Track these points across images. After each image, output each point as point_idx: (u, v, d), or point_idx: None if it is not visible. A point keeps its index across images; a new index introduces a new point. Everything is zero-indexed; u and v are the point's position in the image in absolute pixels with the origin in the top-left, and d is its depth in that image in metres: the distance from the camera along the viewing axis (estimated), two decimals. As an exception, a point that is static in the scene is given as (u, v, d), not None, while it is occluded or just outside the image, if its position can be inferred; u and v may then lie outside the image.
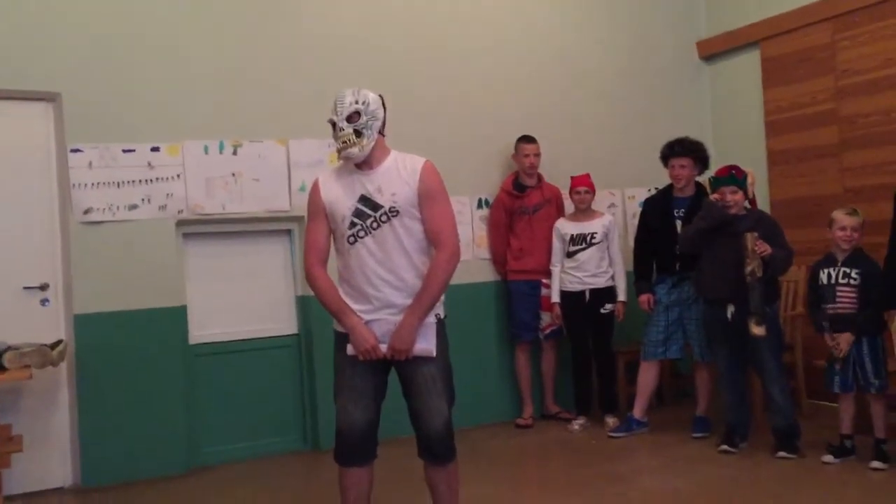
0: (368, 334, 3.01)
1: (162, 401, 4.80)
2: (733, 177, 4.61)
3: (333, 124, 3.08)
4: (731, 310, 4.56)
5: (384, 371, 3.13)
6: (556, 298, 5.53)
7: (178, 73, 4.96)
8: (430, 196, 3.08)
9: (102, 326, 4.70)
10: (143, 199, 4.85)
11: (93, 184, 4.73)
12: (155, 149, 4.88)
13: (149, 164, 4.87)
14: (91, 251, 4.71)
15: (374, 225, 3.04)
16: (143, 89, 4.87)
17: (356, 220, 3.04)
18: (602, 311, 5.45)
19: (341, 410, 3.09)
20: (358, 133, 3.02)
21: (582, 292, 5.44)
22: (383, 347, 3.02)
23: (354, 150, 3.03)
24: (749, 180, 4.68)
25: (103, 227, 4.76)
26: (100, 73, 4.78)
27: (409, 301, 3.05)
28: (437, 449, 3.09)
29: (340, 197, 3.07)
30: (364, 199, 3.05)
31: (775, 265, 4.50)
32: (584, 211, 5.52)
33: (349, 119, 3.04)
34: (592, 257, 5.44)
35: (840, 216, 4.45)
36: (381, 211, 3.04)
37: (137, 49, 4.88)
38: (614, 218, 5.74)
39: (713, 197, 4.66)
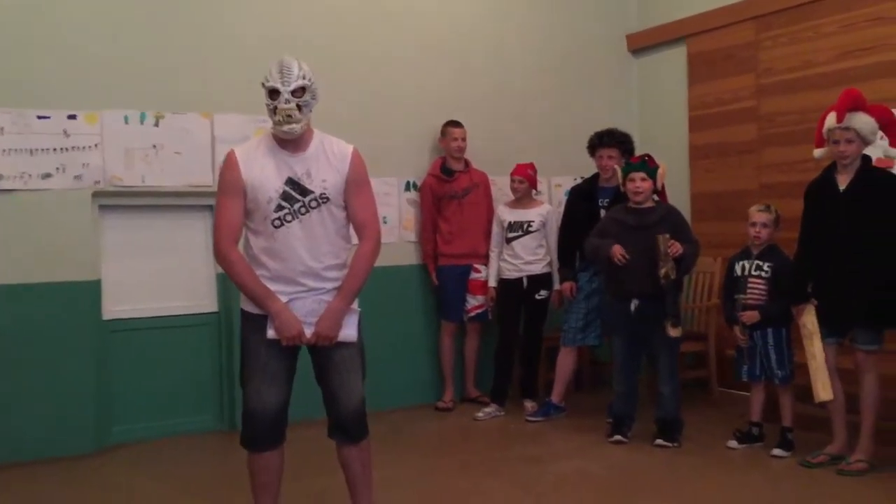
0: (295, 320, 2.93)
1: (72, 377, 4.66)
2: (645, 163, 4.67)
3: (274, 91, 2.91)
4: (634, 303, 4.62)
5: (297, 353, 3.08)
6: (492, 283, 5.60)
7: (99, 39, 4.79)
8: (358, 184, 3.05)
9: (10, 299, 4.54)
10: (57, 168, 4.68)
11: (4, 150, 4.54)
12: (72, 116, 4.72)
13: (64, 131, 4.70)
14: (1, 220, 4.53)
15: (303, 210, 2.96)
16: (62, 54, 4.69)
17: (284, 203, 2.94)
18: (537, 296, 5.50)
19: (254, 394, 3.00)
20: (300, 109, 2.91)
21: (519, 279, 5.49)
22: (307, 331, 2.96)
23: (297, 128, 2.91)
24: (659, 171, 4.73)
25: (15, 196, 4.58)
26: (15, 35, 4.58)
27: (328, 285, 3.02)
28: (351, 427, 3.08)
29: (265, 178, 2.94)
30: (292, 183, 2.95)
31: (687, 262, 4.60)
32: (522, 199, 5.56)
33: (294, 93, 2.91)
34: (527, 245, 5.49)
35: (752, 212, 4.59)
36: (311, 197, 2.97)
37: (57, 12, 4.69)
38: (553, 208, 5.77)
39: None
